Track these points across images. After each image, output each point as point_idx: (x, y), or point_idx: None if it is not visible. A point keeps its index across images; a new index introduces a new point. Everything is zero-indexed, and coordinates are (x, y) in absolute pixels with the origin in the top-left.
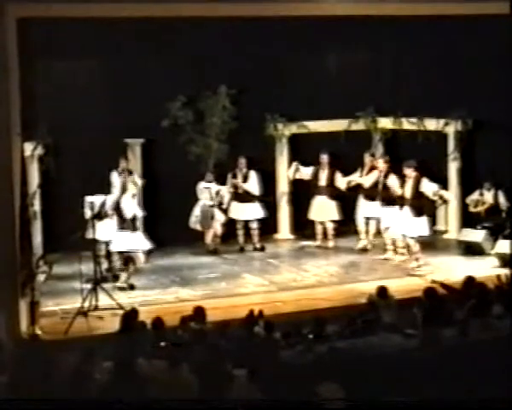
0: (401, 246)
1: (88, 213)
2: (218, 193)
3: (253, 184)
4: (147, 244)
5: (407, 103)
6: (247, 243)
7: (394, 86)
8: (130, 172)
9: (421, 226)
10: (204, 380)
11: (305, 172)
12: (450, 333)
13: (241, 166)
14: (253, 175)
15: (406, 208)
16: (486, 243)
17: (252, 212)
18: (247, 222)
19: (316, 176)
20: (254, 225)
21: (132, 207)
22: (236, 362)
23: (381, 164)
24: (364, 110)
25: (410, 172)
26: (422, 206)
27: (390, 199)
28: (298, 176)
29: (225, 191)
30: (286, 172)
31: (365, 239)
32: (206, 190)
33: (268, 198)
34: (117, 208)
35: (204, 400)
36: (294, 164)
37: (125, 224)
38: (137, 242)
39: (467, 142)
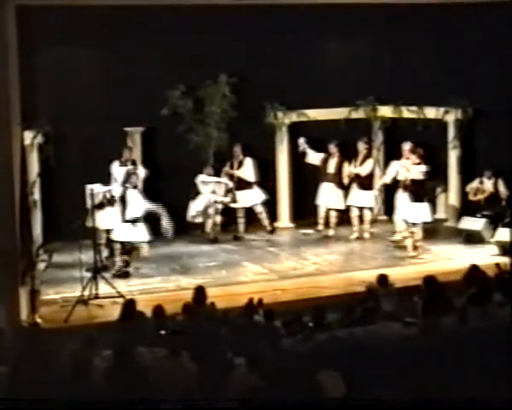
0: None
1: (88, 202)
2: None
3: (247, 171)
4: (147, 236)
5: (407, 92)
6: (255, 230)
7: (394, 75)
8: (134, 163)
9: (423, 212)
10: (204, 368)
11: (315, 157)
12: (449, 321)
13: (236, 154)
14: (247, 162)
15: (406, 194)
16: (486, 232)
17: (252, 197)
18: (248, 210)
19: (325, 163)
20: (260, 209)
21: (138, 200)
22: (236, 350)
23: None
24: (364, 98)
25: (415, 159)
26: (423, 191)
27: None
28: (306, 159)
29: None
30: (286, 158)
31: (358, 229)
32: (208, 184)
33: (267, 183)
34: (121, 199)
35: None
36: (300, 141)
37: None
38: (139, 233)
39: (467, 130)
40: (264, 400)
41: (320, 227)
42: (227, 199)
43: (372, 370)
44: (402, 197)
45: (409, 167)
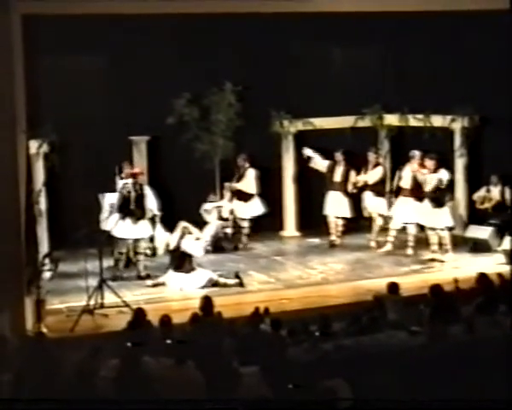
0: (432, 241)
1: (106, 213)
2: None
3: (249, 183)
4: (150, 231)
5: (413, 100)
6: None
7: (400, 83)
8: (134, 176)
9: (445, 217)
10: (210, 378)
11: (321, 164)
12: (456, 330)
13: (240, 164)
14: (250, 173)
15: (426, 201)
16: (493, 240)
17: (251, 209)
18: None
19: (331, 171)
20: (246, 224)
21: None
22: (242, 359)
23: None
24: (371, 107)
25: (430, 165)
26: (442, 197)
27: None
28: (313, 165)
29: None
30: (292, 167)
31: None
32: (211, 212)
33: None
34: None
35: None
36: (304, 150)
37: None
38: (142, 230)
39: (473, 138)
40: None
41: (332, 237)
42: (229, 228)
43: (378, 378)
44: (404, 202)
45: (427, 177)
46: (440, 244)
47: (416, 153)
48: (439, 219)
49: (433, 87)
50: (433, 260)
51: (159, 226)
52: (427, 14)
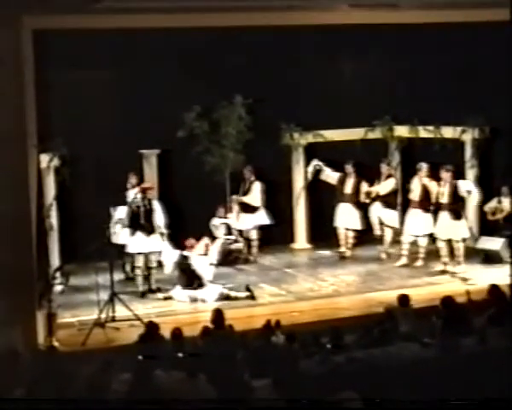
0: (443, 253)
1: (117, 226)
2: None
3: (254, 196)
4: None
5: (424, 111)
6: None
7: (410, 94)
8: (145, 191)
9: (462, 229)
10: (222, 390)
11: (332, 176)
12: (468, 342)
13: (247, 177)
14: (256, 187)
15: (444, 213)
16: (505, 252)
17: (254, 221)
18: (261, 231)
19: (342, 183)
20: (254, 236)
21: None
22: (254, 372)
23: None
24: (381, 119)
25: (447, 176)
26: (460, 209)
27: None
28: (324, 178)
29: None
30: (302, 179)
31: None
32: (219, 228)
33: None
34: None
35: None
36: (313, 163)
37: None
38: (154, 244)
39: (484, 149)
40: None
41: (342, 249)
42: (240, 243)
43: (390, 391)
44: (414, 214)
45: (444, 190)
46: (453, 255)
47: (424, 165)
48: (457, 231)
49: (443, 99)
50: (444, 271)
51: (166, 243)
52: (438, 26)
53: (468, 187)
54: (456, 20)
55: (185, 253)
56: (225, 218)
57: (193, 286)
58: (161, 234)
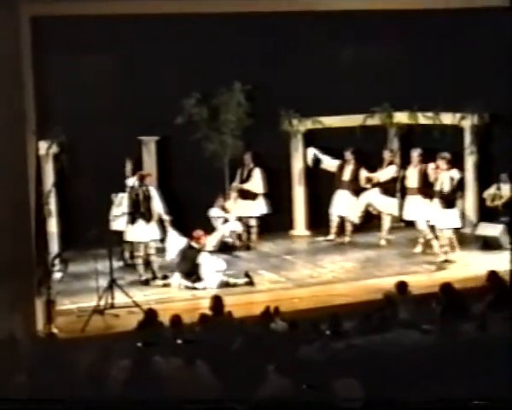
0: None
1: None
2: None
3: (256, 183)
4: (158, 234)
5: (423, 98)
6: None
7: (410, 81)
8: (143, 178)
9: (453, 218)
10: (221, 377)
11: (331, 164)
12: (467, 328)
13: (246, 163)
14: (256, 173)
15: (436, 201)
16: (504, 238)
17: (253, 209)
18: (260, 219)
19: (340, 170)
20: (253, 223)
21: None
22: (254, 359)
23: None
24: (380, 105)
25: (441, 164)
26: (453, 198)
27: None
28: (324, 166)
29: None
30: (301, 166)
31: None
32: (218, 218)
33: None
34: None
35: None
36: (310, 151)
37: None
38: (150, 232)
39: (483, 136)
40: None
41: (332, 236)
42: (239, 227)
43: (389, 377)
44: (412, 200)
45: (438, 176)
46: (443, 245)
47: (415, 152)
48: (448, 220)
49: (442, 85)
50: (445, 260)
51: (171, 230)
52: (437, 12)
53: (452, 174)
54: (455, 6)
55: (193, 244)
56: (224, 209)
57: (192, 278)
58: (164, 221)
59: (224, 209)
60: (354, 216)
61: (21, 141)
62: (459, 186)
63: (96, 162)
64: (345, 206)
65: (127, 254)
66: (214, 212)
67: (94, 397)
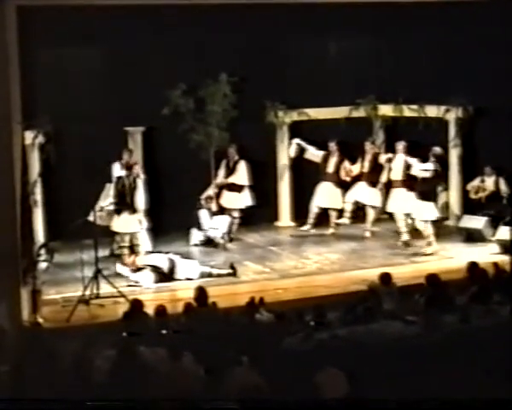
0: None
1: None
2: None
3: (241, 176)
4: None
5: (408, 90)
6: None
7: (395, 73)
8: (129, 168)
9: (430, 210)
10: (205, 367)
11: (315, 154)
12: (451, 319)
13: (231, 156)
14: (242, 166)
15: (413, 193)
16: (487, 230)
17: (238, 201)
18: (243, 210)
19: (325, 161)
20: (237, 214)
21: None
22: (238, 349)
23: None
24: (365, 97)
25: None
26: (429, 191)
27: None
28: (308, 156)
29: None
30: (286, 157)
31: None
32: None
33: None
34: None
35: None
36: (295, 142)
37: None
38: (134, 224)
39: (468, 128)
40: (263, 400)
41: (307, 226)
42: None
43: (373, 368)
44: (400, 193)
45: (416, 165)
46: (426, 236)
47: (400, 144)
48: (424, 212)
49: (427, 77)
50: (427, 253)
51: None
52: (422, 4)
53: (424, 166)
54: None
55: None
56: (211, 210)
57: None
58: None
59: (211, 210)
60: (337, 206)
61: (7, 131)
62: (443, 178)
63: (82, 152)
64: (327, 197)
65: (115, 245)
66: (202, 214)
67: (81, 397)
